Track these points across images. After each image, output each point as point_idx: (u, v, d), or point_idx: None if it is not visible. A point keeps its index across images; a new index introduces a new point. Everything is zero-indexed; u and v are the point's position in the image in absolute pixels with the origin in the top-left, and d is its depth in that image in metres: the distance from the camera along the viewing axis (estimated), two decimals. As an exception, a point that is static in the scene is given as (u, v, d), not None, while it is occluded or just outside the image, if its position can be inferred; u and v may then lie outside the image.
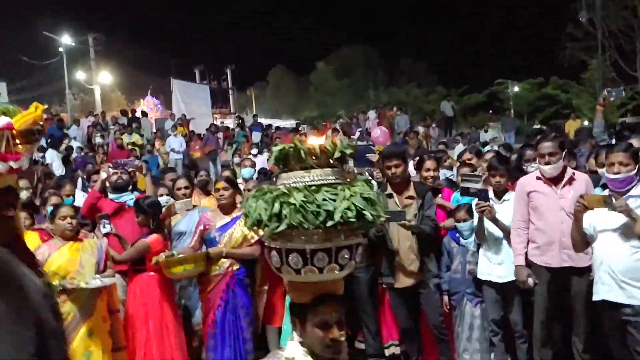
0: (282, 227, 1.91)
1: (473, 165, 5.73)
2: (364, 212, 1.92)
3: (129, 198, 5.00)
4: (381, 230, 4.32)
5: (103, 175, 4.77)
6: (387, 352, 4.86)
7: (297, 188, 1.96)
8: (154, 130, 17.48)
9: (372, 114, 20.74)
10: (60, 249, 4.00)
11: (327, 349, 1.97)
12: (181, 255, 4.36)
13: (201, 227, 4.50)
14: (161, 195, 5.21)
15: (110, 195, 5.07)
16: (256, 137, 16.34)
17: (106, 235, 4.67)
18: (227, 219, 4.39)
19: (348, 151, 2.05)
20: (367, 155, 5.61)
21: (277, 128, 21.50)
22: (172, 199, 5.10)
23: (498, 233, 4.28)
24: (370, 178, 2.32)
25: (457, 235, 4.59)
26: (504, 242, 4.26)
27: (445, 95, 27.99)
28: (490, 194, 4.38)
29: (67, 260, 3.98)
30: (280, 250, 1.98)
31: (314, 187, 1.97)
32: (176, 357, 4.47)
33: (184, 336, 4.68)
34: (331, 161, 2.06)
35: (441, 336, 4.46)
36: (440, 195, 5.06)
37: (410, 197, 4.50)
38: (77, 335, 3.92)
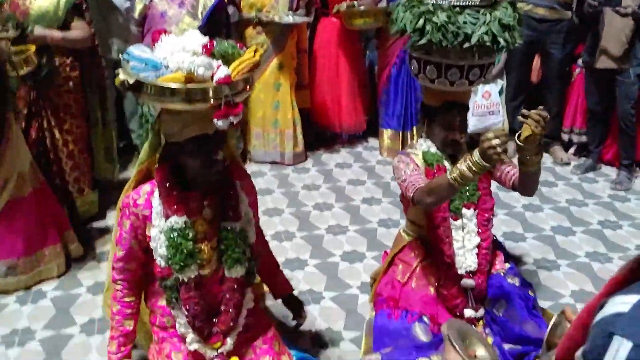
0: (423, 41, 2.09)
1: None
2: (498, 38, 2.06)
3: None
4: (595, 5, 3.86)
5: None
6: (563, 137, 4.71)
7: (442, 7, 2.08)
8: None
9: None
10: (258, -17, 4.17)
11: (447, 146, 2.27)
12: (362, 8, 4.33)
13: (384, -20, 4.35)
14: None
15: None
16: None
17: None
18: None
19: None
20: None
21: None
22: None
23: None
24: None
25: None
26: None
27: None
28: None
29: (264, -7, 4.16)
30: (420, 60, 2.21)
31: (458, 9, 2.09)
32: (358, 105, 4.76)
33: (367, 86, 4.90)
34: None
35: (626, 128, 4.15)
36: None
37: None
38: (268, 66, 4.28)
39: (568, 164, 4.57)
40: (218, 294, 1.92)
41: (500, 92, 4.71)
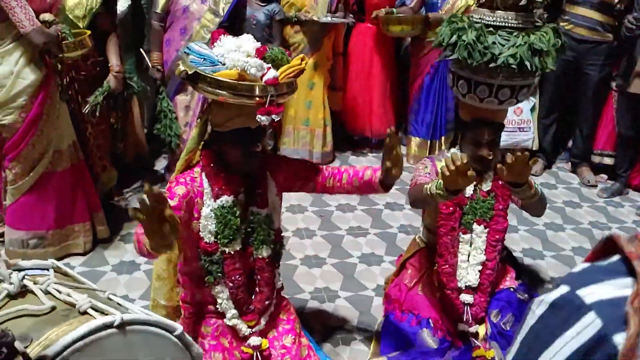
0: (454, 56, 2.17)
1: None
2: (526, 61, 2.06)
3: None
4: (632, 28, 3.86)
5: None
6: (593, 159, 4.68)
7: (475, 25, 2.14)
8: None
9: None
10: (299, -16, 4.24)
11: (476, 162, 2.25)
12: (400, 15, 4.36)
13: (426, -11, 4.37)
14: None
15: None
16: None
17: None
18: (456, -14, 4.19)
19: None
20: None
21: None
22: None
23: None
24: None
25: None
26: None
27: None
28: None
29: (304, -7, 4.23)
30: (454, 73, 2.27)
31: (492, 28, 2.12)
32: (388, 111, 4.80)
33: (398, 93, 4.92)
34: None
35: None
36: None
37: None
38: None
39: (595, 186, 4.54)
40: (252, 271, 2.10)
41: (532, 110, 4.71)
